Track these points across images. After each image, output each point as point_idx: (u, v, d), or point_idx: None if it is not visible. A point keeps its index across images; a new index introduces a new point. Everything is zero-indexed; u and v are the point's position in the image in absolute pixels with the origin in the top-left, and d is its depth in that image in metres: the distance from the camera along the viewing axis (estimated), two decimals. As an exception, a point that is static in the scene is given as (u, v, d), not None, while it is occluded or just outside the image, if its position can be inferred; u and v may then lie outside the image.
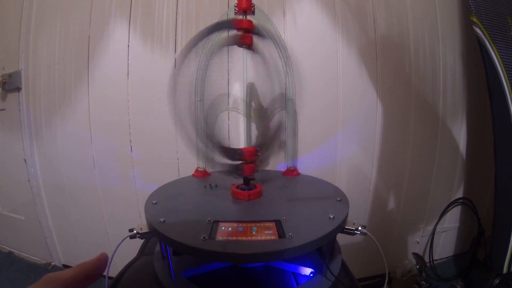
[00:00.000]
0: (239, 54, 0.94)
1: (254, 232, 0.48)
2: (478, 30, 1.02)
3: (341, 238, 0.61)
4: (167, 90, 1.07)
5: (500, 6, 1.08)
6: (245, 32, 0.69)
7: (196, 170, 0.92)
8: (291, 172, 0.91)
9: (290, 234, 0.47)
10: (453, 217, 1.36)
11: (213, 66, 0.88)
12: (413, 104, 1.19)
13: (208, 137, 0.69)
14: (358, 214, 1.21)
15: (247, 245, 0.44)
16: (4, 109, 1.29)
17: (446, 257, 1.41)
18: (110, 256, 0.29)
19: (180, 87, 0.79)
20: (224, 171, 0.70)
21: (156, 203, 0.62)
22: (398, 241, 1.30)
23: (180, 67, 0.68)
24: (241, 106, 1.06)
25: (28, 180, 1.26)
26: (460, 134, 1.30)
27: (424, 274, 1.21)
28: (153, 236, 0.52)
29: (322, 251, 0.56)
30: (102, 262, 0.26)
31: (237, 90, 1.06)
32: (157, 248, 0.60)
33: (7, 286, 1.20)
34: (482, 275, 1.10)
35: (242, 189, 0.67)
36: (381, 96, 1.14)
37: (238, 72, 1.04)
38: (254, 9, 0.74)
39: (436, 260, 1.35)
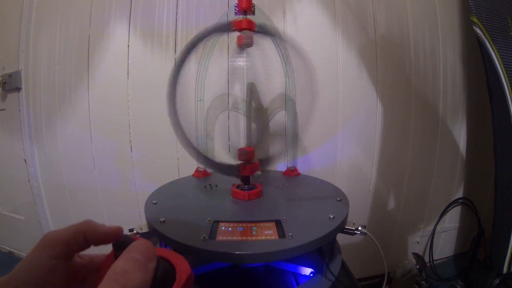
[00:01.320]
0: (239, 54, 0.94)
1: (254, 232, 0.48)
2: (478, 30, 1.02)
3: (341, 238, 0.61)
4: (167, 90, 1.07)
5: (500, 6, 1.08)
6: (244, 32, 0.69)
7: (196, 170, 0.92)
8: (291, 172, 0.91)
9: (290, 234, 0.47)
10: (453, 217, 1.36)
11: (213, 66, 0.88)
12: (413, 104, 1.19)
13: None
14: (358, 214, 1.21)
15: (247, 245, 0.44)
16: (4, 109, 1.29)
17: (446, 257, 1.41)
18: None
19: (180, 88, 0.79)
20: (221, 170, 0.70)
21: (156, 203, 0.62)
22: (398, 241, 1.30)
23: (180, 67, 0.68)
24: (241, 106, 1.06)
25: (28, 180, 1.26)
26: (460, 134, 1.30)
27: (424, 274, 1.21)
28: (153, 236, 0.52)
29: (322, 251, 0.56)
30: (111, 233, 0.24)
31: (237, 90, 1.06)
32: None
33: (7, 286, 1.20)
34: (482, 275, 1.10)
35: (242, 189, 0.67)
36: (381, 96, 1.14)
37: (238, 72, 1.04)
38: (254, 9, 0.74)
39: (436, 260, 1.35)
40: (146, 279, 0.16)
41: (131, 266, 0.16)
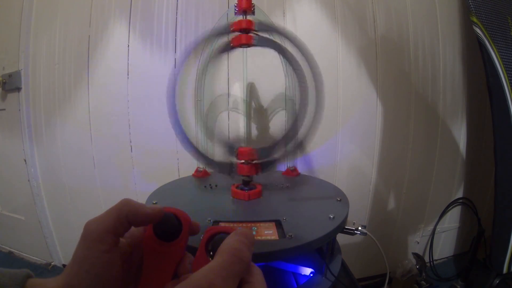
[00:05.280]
0: (239, 54, 0.94)
1: (254, 232, 0.48)
2: (478, 30, 1.02)
3: (341, 238, 0.61)
4: (167, 91, 1.07)
5: (500, 6, 1.08)
6: (243, 32, 0.69)
7: (196, 170, 0.92)
8: (291, 172, 0.91)
9: (290, 234, 0.47)
10: (453, 217, 1.36)
11: (213, 66, 0.87)
12: (413, 104, 1.19)
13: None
14: (358, 214, 1.20)
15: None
16: (4, 109, 1.29)
17: (446, 257, 1.41)
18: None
19: (180, 88, 0.79)
20: (219, 169, 0.70)
21: (156, 203, 0.62)
22: (398, 241, 1.30)
23: (180, 68, 0.68)
24: (241, 106, 1.06)
25: (28, 180, 1.26)
26: (460, 134, 1.30)
27: (424, 274, 1.21)
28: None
29: (322, 251, 0.56)
30: (153, 216, 0.23)
31: (237, 90, 1.06)
32: (157, 248, 0.60)
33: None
34: (482, 275, 1.10)
35: (242, 189, 0.67)
36: (381, 96, 1.14)
37: (238, 72, 1.04)
38: (254, 9, 0.74)
39: (436, 260, 1.35)
40: (250, 258, 0.20)
41: (243, 246, 0.20)
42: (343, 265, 0.61)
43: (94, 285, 0.20)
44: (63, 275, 0.20)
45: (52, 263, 1.33)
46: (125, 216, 0.22)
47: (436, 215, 1.32)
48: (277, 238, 0.46)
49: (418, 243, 1.33)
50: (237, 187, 0.68)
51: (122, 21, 1.07)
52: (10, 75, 1.20)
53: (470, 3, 1.03)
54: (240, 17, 0.70)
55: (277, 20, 1.05)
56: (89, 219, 0.21)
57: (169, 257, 0.24)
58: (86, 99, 1.13)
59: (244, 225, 0.51)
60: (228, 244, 0.20)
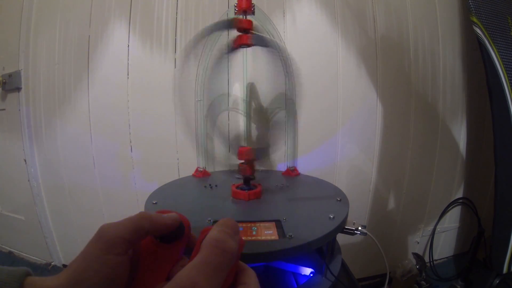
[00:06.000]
0: (239, 54, 0.94)
1: (254, 232, 0.48)
2: (478, 30, 1.02)
3: (341, 238, 0.61)
4: (167, 90, 1.07)
5: (500, 6, 1.08)
6: (244, 32, 0.69)
7: (196, 170, 0.92)
8: (291, 172, 0.91)
9: (290, 234, 0.47)
10: (453, 217, 1.36)
11: (213, 66, 0.88)
12: (413, 104, 1.19)
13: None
14: (358, 214, 1.20)
15: (247, 245, 0.44)
16: (4, 109, 1.29)
17: (446, 257, 1.41)
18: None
19: (181, 88, 0.79)
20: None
21: (156, 203, 0.62)
22: (398, 241, 1.30)
23: (182, 67, 0.69)
24: (241, 106, 1.06)
25: (28, 180, 1.26)
26: (460, 134, 1.29)
27: (424, 274, 1.21)
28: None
29: (322, 251, 0.56)
30: (171, 226, 0.23)
31: (237, 90, 1.06)
32: (157, 248, 0.60)
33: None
34: (482, 275, 1.10)
35: (242, 189, 0.67)
36: (381, 96, 1.14)
37: (238, 72, 1.04)
38: (254, 9, 0.75)
39: (436, 260, 1.35)
40: (236, 247, 0.19)
41: (225, 236, 0.19)
42: (343, 265, 0.61)
43: (99, 284, 0.20)
44: (67, 272, 0.20)
45: (52, 263, 1.33)
46: (145, 230, 0.22)
47: (436, 215, 1.32)
48: (277, 238, 0.46)
49: (418, 243, 1.33)
50: (237, 187, 0.68)
51: (122, 21, 1.07)
52: (10, 75, 1.20)
53: (470, 3, 1.03)
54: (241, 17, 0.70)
55: (277, 20, 1.05)
56: (105, 223, 0.22)
57: (165, 259, 0.24)
58: (86, 99, 1.13)
59: (244, 225, 0.51)
60: (210, 236, 0.19)
